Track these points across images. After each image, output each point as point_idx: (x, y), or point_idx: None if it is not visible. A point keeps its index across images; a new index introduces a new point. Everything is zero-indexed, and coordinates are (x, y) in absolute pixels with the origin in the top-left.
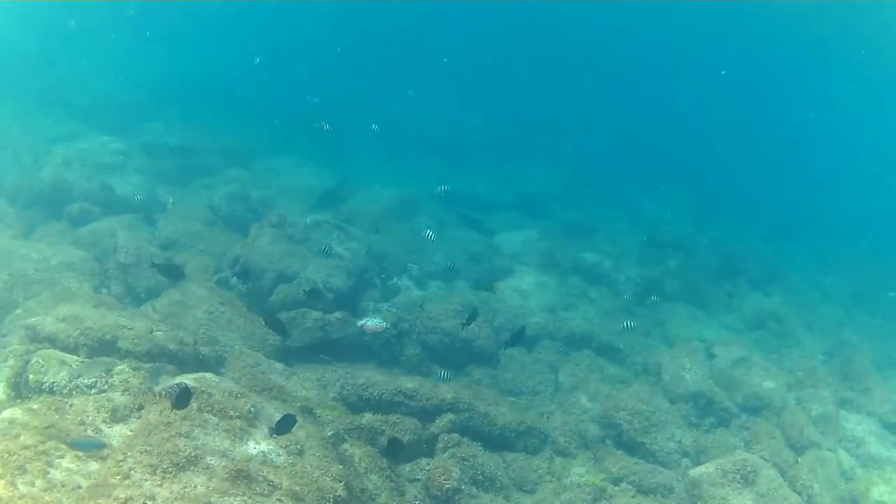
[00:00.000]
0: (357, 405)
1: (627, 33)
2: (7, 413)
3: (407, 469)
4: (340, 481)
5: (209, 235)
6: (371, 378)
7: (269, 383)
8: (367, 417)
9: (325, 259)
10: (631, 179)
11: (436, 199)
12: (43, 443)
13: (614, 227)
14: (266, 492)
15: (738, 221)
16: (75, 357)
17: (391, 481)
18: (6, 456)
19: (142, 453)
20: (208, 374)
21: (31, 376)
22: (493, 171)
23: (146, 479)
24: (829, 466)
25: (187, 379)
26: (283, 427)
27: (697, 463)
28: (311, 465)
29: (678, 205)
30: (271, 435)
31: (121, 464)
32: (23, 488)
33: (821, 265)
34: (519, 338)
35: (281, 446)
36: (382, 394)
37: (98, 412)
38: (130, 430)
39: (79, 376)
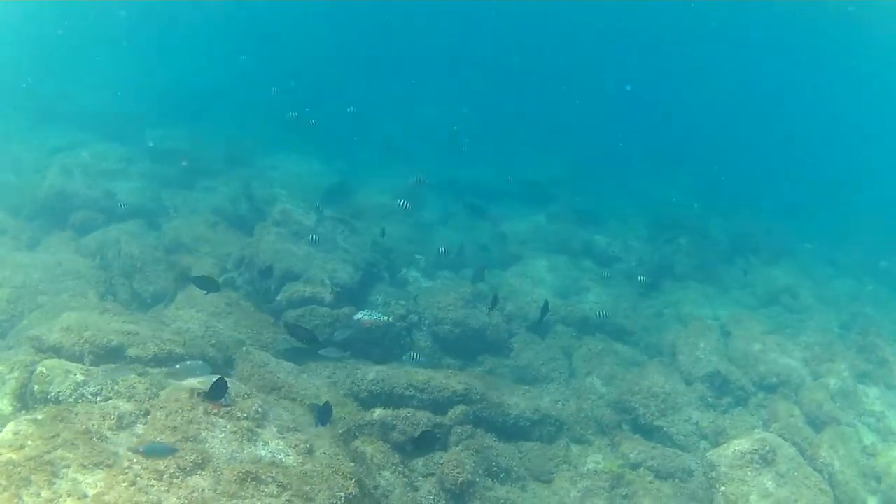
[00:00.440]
0: (368, 401)
1: (630, 21)
2: (11, 424)
3: (420, 463)
4: (352, 479)
5: (214, 237)
6: (381, 373)
7: (278, 383)
8: (379, 413)
9: (313, 248)
10: (638, 165)
11: (441, 189)
12: (48, 453)
13: (622, 211)
14: (275, 493)
15: (748, 201)
16: (80, 366)
17: (404, 476)
18: (10, 468)
19: (147, 459)
20: (215, 377)
21: (36, 387)
22: (500, 161)
23: (152, 485)
24: (849, 442)
25: (194, 382)
26: (324, 416)
27: (716, 444)
28: (322, 464)
29: (686, 187)
30: (317, 425)
31: (127, 470)
32: (28, 500)
33: (834, 240)
34: (544, 313)
35: (290, 446)
36: (393, 388)
37: (104, 420)
38: (137, 437)
39: (98, 383)
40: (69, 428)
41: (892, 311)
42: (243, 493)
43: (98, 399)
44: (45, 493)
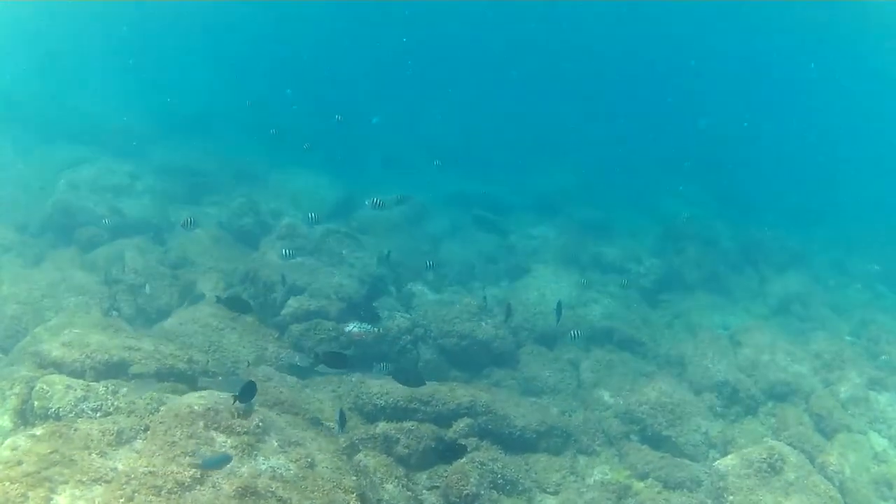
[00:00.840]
0: (372, 414)
1: (637, 32)
2: (10, 441)
3: (424, 477)
4: (353, 492)
5: (219, 252)
6: (385, 386)
7: (281, 397)
8: (382, 426)
9: (318, 262)
10: (647, 177)
11: (449, 202)
12: (45, 469)
13: (631, 223)
14: None
15: (758, 210)
16: (81, 381)
17: (408, 490)
18: (7, 484)
19: (146, 475)
20: (216, 391)
21: (35, 403)
22: (508, 174)
23: (150, 501)
24: (860, 449)
25: (194, 397)
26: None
27: (725, 454)
28: (323, 478)
29: (696, 199)
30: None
31: (124, 486)
32: None
33: (846, 248)
34: (559, 314)
35: (291, 460)
36: (398, 401)
37: (103, 435)
38: (136, 452)
39: (98, 398)
40: (68, 444)
41: None
42: None
43: (98, 415)
44: None
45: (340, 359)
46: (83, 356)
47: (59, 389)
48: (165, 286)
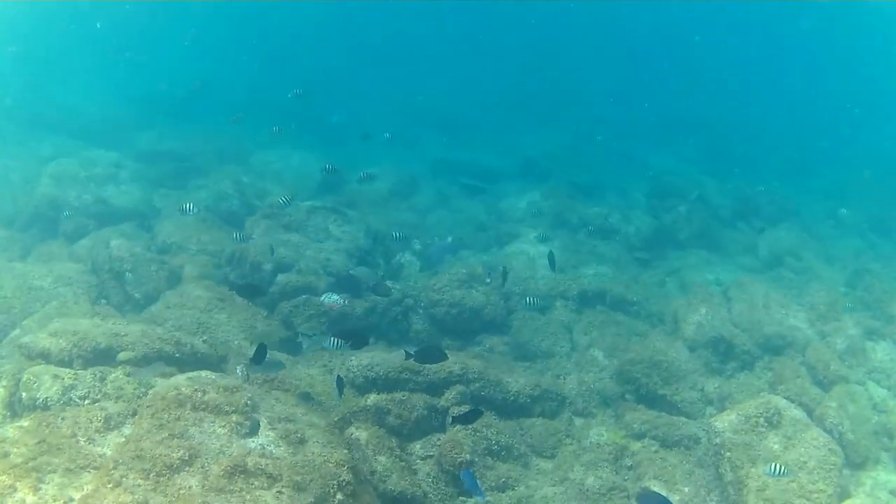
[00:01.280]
0: (364, 386)
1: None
2: None
3: (418, 447)
4: (344, 465)
5: (206, 235)
6: (375, 358)
7: (270, 374)
8: (373, 398)
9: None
10: (635, 137)
11: (437, 172)
12: (33, 459)
13: (621, 183)
14: (265, 485)
15: (749, 164)
16: (69, 370)
17: (401, 461)
18: None
19: (133, 459)
20: (204, 372)
21: (23, 394)
22: (495, 141)
23: (139, 485)
24: (858, 400)
25: (181, 379)
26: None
27: (722, 410)
28: (314, 453)
29: (685, 156)
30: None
31: (112, 472)
32: None
33: (839, 199)
34: (553, 263)
35: (281, 437)
36: (388, 372)
37: (91, 422)
38: (124, 437)
39: (86, 386)
40: (55, 433)
41: None
42: (232, 488)
43: (86, 402)
44: (30, 499)
45: (361, 338)
46: (70, 345)
47: (46, 379)
48: (153, 272)
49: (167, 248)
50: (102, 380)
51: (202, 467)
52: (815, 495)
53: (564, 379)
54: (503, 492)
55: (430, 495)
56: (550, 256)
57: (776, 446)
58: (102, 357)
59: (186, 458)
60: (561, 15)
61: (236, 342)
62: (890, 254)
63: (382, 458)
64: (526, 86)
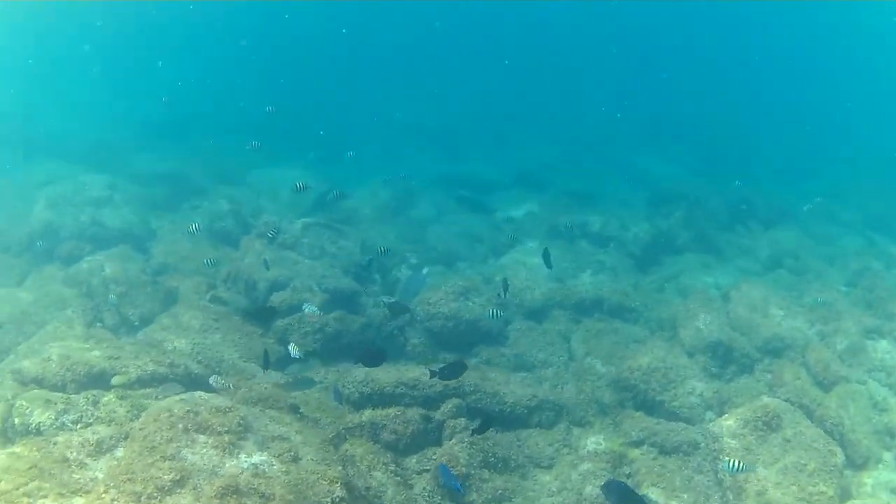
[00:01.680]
0: (359, 402)
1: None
2: None
3: (414, 461)
4: (338, 482)
5: (201, 255)
6: (370, 373)
7: (264, 393)
8: (368, 413)
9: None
10: (630, 145)
11: (433, 185)
12: (25, 485)
13: (617, 191)
14: None
15: (745, 167)
16: (61, 395)
17: (397, 476)
18: None
19: (125, 482)
20: (197, 393)
21: (16, 420)
22: (491, 153)
23: None
24: (859, 400)
25: (173, 400)
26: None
27: (721, 415)
28: (307, 471)
29: (681, 161)
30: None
31: (104, 495)
32: None
33: (838, 199)
34: (547, 259)
35: (274, 455)
36: (384, 387)
37: (83, 446)
38: (116, 460)
39: (78, 410)
40: (47, 458)
41: None
42: None
43: (78, 426)
44: None
45: (378, 356)
46: (63, 370)
47: (39, 405)
48: (147, 294)
49: (163, 270)
50: (95, 403)
51: (194, 488)
52: (816, 497)
53: (562, 388)
54: None
55: None
56: (545, 254)
57: (776, 449)
58: (96, 381)
59: (178, 479)
60: (551, 20)
61: (230, 361)
62: (890, 252)
63: (378, 474)
64: (521, 96)
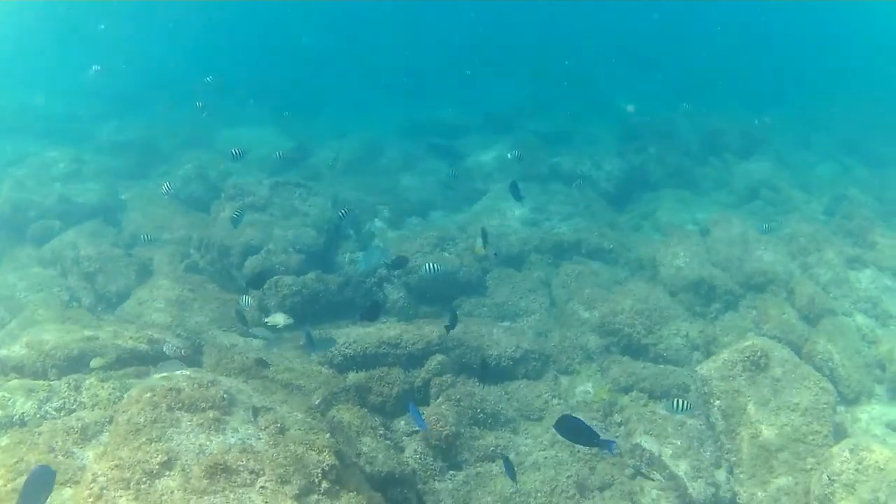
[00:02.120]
0: (343, 365)
1: None
2: None
3: (402, 423)
4: (327, 451)
5: (172, 223)
6: (351, 334)
7: (246, 363)
8: (352, 377)
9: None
10: (599, 82)
11: (402, 134)
12: (12, 481)
13: (588, 130)
14: (248, 481)
15: (717, 97)
16: (44, 382)
17: (387, 440)
18: None
19: (112, 468)
20: (178, 370)
21: None
22: (458, 96)
23: (120, 496)
24: (847, 333)
25: (155, 379)
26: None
27: (708, 355)
28: (295, 442)
29: (653, 93)
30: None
31: (92, 484)
32: None
33: (810, 125)
34: (516, 191)
35: (261, 428)
36: (366, 348)
37: (68, 435)
38: (102, 446)
39: (61, 397)
40: (33, 450)
41: (874, 189)
42: (214, 488)
43: (62, 414)
44: None
45: (376, 309)
46: (42, 355)
47: (21, 395)
48: (121, 268)
49: (135, 241)
50: (77, 388)
51: (182, 469)
52: (811, 437)
53: (546, 337)
54: (493, 461)
55: (419, 472)
56: (513, 187)
57: (766, 390)
58: (76, 364)
59: (165, 461)
60: None
61: (210, 332)
62: (866, 178)
63: (367, 439)
64: (490, 39)
